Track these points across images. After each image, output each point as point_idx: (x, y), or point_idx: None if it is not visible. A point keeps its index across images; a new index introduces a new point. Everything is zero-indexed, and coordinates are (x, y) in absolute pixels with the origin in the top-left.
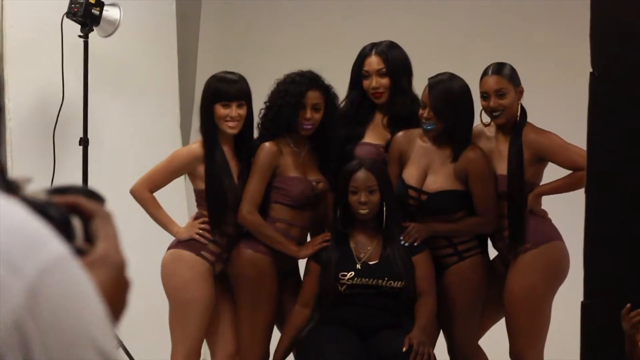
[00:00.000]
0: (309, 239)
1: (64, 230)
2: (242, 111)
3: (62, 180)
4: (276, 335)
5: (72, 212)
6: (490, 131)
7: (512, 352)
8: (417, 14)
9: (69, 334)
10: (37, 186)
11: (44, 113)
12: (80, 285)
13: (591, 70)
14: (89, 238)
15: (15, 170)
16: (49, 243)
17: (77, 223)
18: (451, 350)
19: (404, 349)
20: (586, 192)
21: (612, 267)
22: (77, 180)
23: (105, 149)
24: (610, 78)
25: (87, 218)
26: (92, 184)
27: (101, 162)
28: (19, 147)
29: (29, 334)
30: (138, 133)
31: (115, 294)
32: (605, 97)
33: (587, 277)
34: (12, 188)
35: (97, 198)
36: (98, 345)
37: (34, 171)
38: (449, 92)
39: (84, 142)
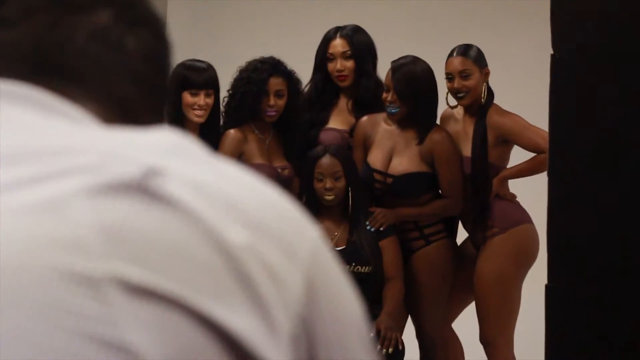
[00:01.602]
0: None
1: None
2: (210, 100)
3: None
4: None
5: None
6: (459, 113)
7: (482, 336)
8: None
9: (342, 324)
10: None
11: None
12: (338, 267)
13: (552, 52)
14: None
15: None
16: (309, 223)
17: None
18: (419, 335)
19: (371, 335)
20: (549, 174)
21: (576, 250)
22: None
23: None
24: (572, 60)
25: None
26: None
27: None
28: None
29: (313, 326)
30: None
31: None
32: (566, 79)
33: (550, 260)
34: None
35: None
36: (364, 336)
37: None
38: (412, 75)
39: None
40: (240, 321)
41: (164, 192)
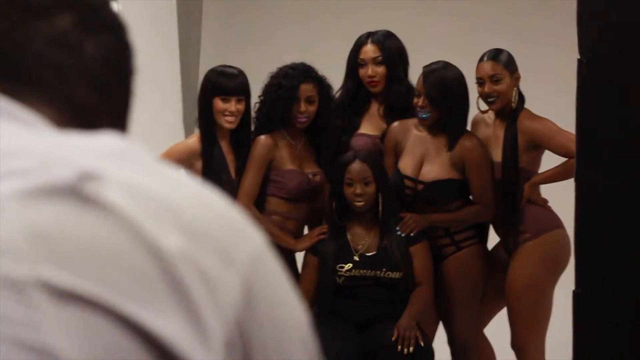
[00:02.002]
0: (306, 231)
1: None
2: (241, 106)
3: None
4: None
5: None
6: (490, 118)
7: (514, 342)
8: (414, 5)
9: (281, 329)
10: None
11: None
12: (282, 274)
13: (579, 57)
14: None
15: None
16: (252, 231)
17: None
18: (451, 341)
19: (393, 339)
20: (576, 180)
21: (603, 256)
22: None
23: None
24: (598, 65)
25: None
26: None
27: None
28: None
29: (249, 332)
30: (140, 130)
31: None
32: (593, 83)
33: (578, 266)
34: None
35: None
36: (306, 341)
37: None
38: (444, 80)
39: None
40: (169, 326)
41: (97, 197)
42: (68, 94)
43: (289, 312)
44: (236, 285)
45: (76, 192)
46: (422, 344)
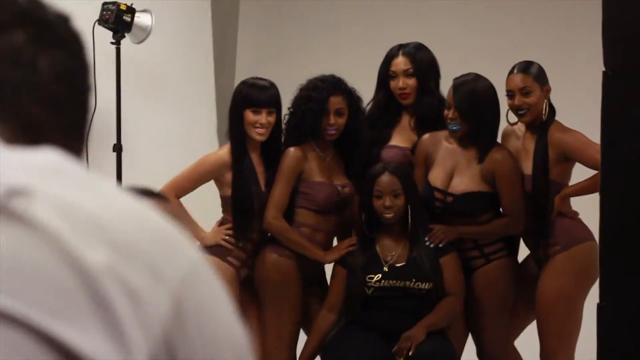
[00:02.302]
0: (335, 243)
1: None
2: (272, 118)
3: None
4: (303, 340)
5: None
6: (520, 130)
7: (543, 354)
8: (444, 18)
9: (213, 345)
10: None
11: None
12: (218, 290)
13: (604, 69)
14: None
15: None
16: (186, 246)
17: None
18: (481, 354)
19: (393, 350)
20: (601, 192)
21: (628, 268)
22: None
23: (139, 155)
24: (624, 77)
25: None
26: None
27: (135, 169)
28: None
29: (177, 347)
30: (173, 139)
31: None
32: (618, 96)
33: (602, 279)
34: None
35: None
36: (240, 356)
37: None
38: (474, 92)
39: (118, 148)
40: (89, 342)
41: (24, 213)
42: (19, 110)
43: (222, 328)
44: (165, 300)
45: (3, 209)
46: (410, 353)
